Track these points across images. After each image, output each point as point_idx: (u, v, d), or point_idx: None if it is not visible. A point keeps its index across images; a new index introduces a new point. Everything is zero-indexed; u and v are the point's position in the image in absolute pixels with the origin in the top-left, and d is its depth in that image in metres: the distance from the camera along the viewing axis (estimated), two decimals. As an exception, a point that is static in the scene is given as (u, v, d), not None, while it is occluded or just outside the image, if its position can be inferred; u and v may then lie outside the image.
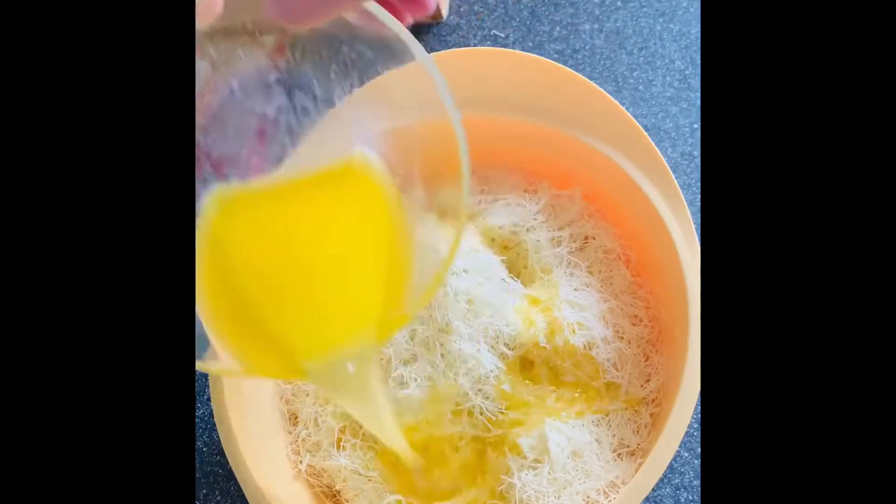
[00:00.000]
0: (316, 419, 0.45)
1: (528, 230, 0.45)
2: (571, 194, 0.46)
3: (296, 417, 0.46)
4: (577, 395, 0.43)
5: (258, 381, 0.45)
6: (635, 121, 0.42)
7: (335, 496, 0.45)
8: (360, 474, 0.43)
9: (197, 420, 0.53)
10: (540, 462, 0.40)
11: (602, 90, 0.42)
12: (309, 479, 0.45)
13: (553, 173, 0.47)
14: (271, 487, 0.40)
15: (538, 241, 0.45)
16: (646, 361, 0.44)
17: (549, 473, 0.40)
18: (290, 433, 0.46)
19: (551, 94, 0.43)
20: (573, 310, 0.43)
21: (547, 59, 0.43)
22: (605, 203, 0.46)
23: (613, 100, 0.42)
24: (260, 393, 0.45)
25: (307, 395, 0.46)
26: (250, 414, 0.43)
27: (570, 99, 0.43)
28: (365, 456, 0.43)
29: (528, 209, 0.46)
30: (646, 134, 0.41)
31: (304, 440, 0.45)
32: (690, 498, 0.46)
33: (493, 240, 0.46)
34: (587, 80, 0.42)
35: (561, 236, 0.46)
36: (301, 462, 0.44)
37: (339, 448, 0.44)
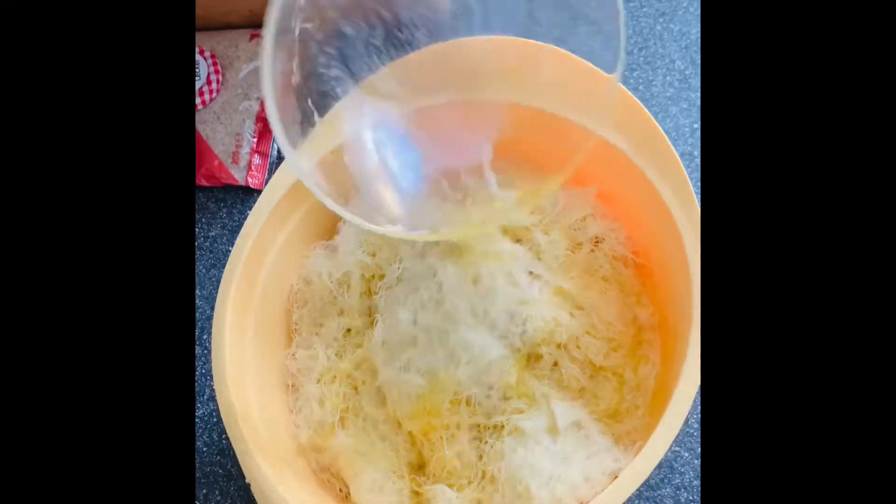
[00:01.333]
0: (321, 399, 0.45)
1: (540, 227, 0.45)
2: (585, 193, 0.46)
3: (298, 392, 0.47)
4: (582, 398, 0.43)
5: (263, 360, 0.46)
6: (656, 122, 0.41)
7: (335, 474, 0.45)
8: (363, 455, 0.43)
9: (197, 420, 0.53)
10: (537, 444, 0.40)
11: (626, 89, 0.42)
12: (309, 455, 0.45)
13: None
14: (270, 463, 0.40)
15: (550, 239, 0.45)
16: (651, 364, 0.44)
17: (546, 452, 0.40)
18: (293, 411, 0.46)
19: (572, 87, 0.43)
20: (581, 312, 0.43)
21: (568, 52, 0.43)
22: (618, 203, 0.46)
23: (636, 99, 0.42)
24: (264, 368, 0.46)
25: (311, 370, 0.46)
26: (253, 391, 0.43)
27: (593, 94, 0.43)
28: (368, 437, 0.44)
29: (541, 204, 0.46)
30: (666, 137, 0.41)
31: (307, 418, 0.45)
32: (690, 498, 0.46)
33: (506, 231, 0.46)
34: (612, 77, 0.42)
35: (572, 235, 0.45)
36: (301, 437, 0.45)
37: (342, 427, 0.44)
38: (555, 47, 0.43)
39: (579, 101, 0.43)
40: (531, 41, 0.43)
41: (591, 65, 0.42)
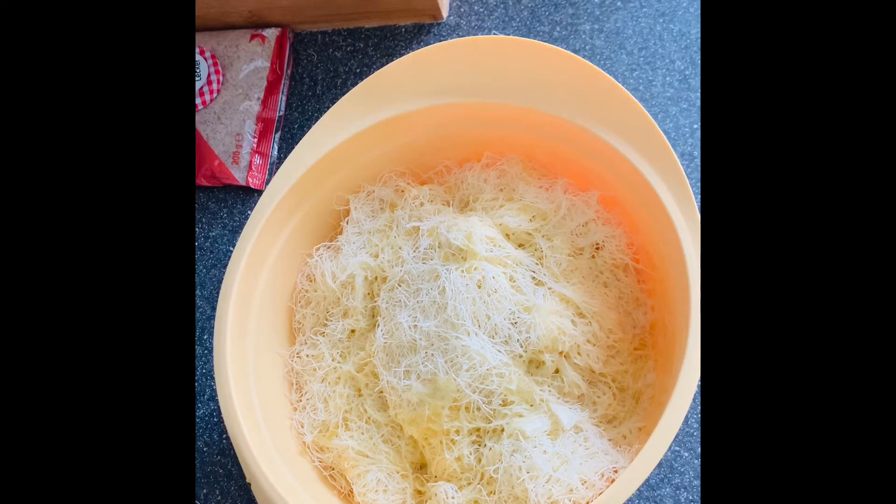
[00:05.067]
0: (326, 399, 0.45)
1: (542, 232, 0.45)
2: (587, 198, 0.46)
3: (301, 391, 0.47)
4: (581, 404, 0.43)
5: (265, 359, 0.46)
6: (655, 122, 0.41)
7: (339, 474, 0.45)
8: (367, 456, 0.43)
9: (197, 420, 0.53)
10: (536, 446, 0.40)
11: (630, 94, 0.42)
12: (312, 455, 0.45)
13: (572, 171, 0.47)
14: (271, 462, 0.40)
15: (551, 244, 0.45)
16: (649, 369, 0.44)
17: (544, 454, 0.40)
18: (297, 410, 0.46)
19: (577, 89, 0.43)
20: (583, 320, 0.43)
21: (577, 56, 0.43)
22: (619, 207, 0.46)
23: (636, 100, 0.42)
24: (267, 368, 0.46)
25: (315, 370, 0.46)
26: (254, 390, 0.44)
27: (596, 98, 0.43)
28: (371, 439, 0.44)
29: (544, 210, 0.46)
30: (665, 139, 0.41)
31: (310, 417, 0.45)
32: (690, 498, 0.47)
33: (509, 236, 0.46)
34: (615, 81, 0.42)
35: (574, 241, 0.45)
36: (305, 437, 0.45)
37: (345, 429, 0.44)
38: (561, 49, 0.43)
39: (581, 102, 0.43)
40: (541, 43, 0.43)
41: (596, 67, 0.42)
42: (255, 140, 0.58)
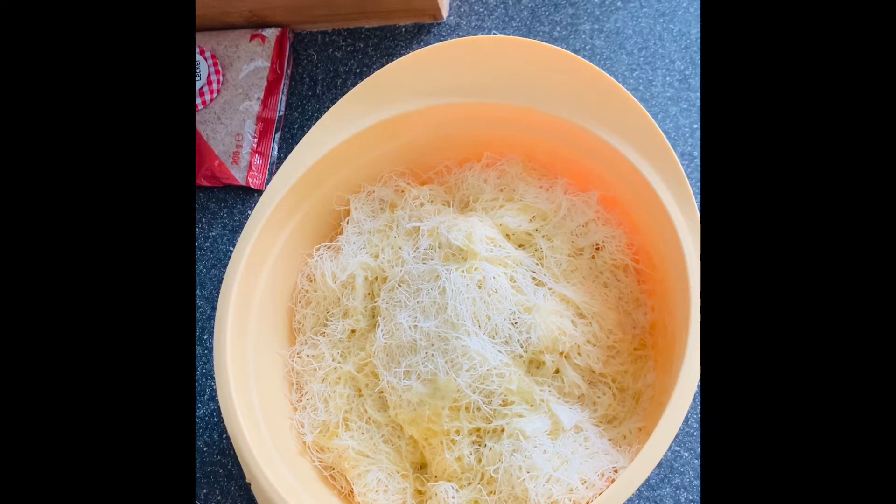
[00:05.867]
0: (326, 399, 0.45)
1: (542, 232, 0.45)
2: (587, 198, 0.46)
3: (301, 391, 0.47)
4: (581, 404, 0.43)
5: (265, 359, 0.46)
6: (655, 123, 0.41)
7: (339, 474, 0.45)
8: (367, 456, 0.43)
9: (198, 420, 0.53)
10: (536, 446, 0.40)
11: (630, 94, 0.42)
12: (312, 455, 0.45)
13: (572, 171, 0.47)
14: (271, 462, 0.40)
15: (552, 245, 0.45)
16: (649, 369, 0.44)
17: (544, 453, 0.40)
18: (297, 410, 0.46)
19: (577, 89, 0.43)
20: (583, 320, 0.43)
21: (577, 56, 0.43)
22: (619, 207, 0.46)
23: (636, 100, 0.42)
24: (267, 368, 0.46)
25: (315, 370, 0.46)
26: (254, 390, 0.44)
27: (596, 98, 0.43)
28: (371, 439, 0.44)
29: (544, 210, 0.46)
30: (665, 139, 0.41)
31: (310, 417, 0.45)
32: (690, 498, 0.47)
33: (509, 236, 0.46)
34: (615, 81, 0.42)
35: (574, 241, 0.45)
36: (305, 437, 0.45)
37: (345, 429, 0.44)
38: (561, 49, 0.43)
39: (582, 104, 0.43)
40: (541, 43, 0.43)
41: (597, 68, 0.42)
42: (255, 140, 0.58)
